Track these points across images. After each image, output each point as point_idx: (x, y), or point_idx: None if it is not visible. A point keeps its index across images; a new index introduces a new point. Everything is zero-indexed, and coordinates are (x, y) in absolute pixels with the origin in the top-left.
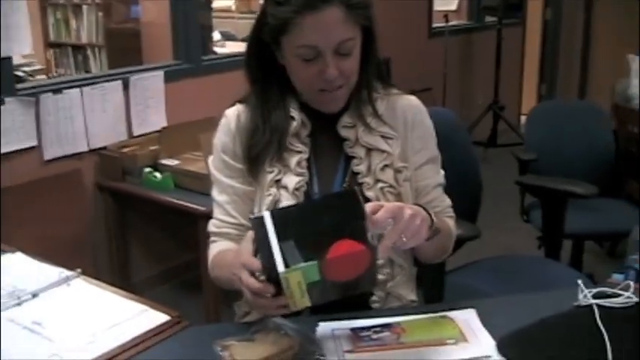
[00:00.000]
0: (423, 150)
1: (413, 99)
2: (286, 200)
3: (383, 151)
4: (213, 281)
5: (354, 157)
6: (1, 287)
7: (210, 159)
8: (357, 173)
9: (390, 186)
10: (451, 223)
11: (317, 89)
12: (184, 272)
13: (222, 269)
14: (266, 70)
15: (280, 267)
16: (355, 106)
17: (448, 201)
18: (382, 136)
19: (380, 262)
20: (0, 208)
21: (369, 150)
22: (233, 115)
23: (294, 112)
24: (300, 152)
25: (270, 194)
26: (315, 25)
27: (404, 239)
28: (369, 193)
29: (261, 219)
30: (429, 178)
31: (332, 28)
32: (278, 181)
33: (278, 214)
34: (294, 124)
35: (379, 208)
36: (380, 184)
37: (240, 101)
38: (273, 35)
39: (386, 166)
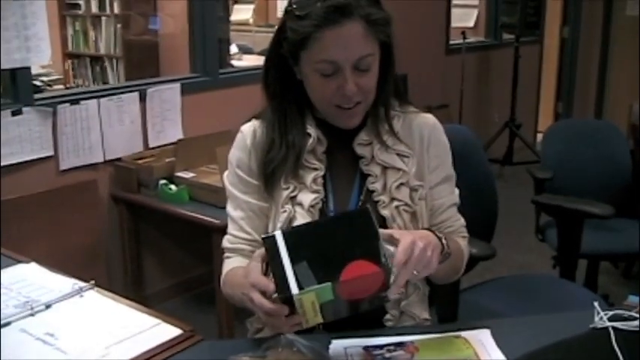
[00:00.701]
0: (438, 169)
1: (429, 117)
2: (301, 217)
3: (399, 170)
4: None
5: (369, 175)
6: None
7: (226, 174)
8: (373, 191)
9: (406, 204)
10: (463, 242)
11: (334, 105)
12: (198, 285)
13: (232, 288)
14: (284, 85)
15: (294, 289)
16: (372, 123)
17: (462, 221)
18: (398, 154)
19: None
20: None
21: (385, 168)
22: (249, 130)
23: (311, 129)
24: (316, 169)
25: (285, 211)
26: (336, 40)
27: (415, 273)
28: (385, 212)
29: (273, 238)
30: (444, 197)
31: (352, 43)
32: (293, 198)
33: (290, 233)
34: (311, 140)
35: (393, 239)
36: (395, 203)
37: (256, 117)
38: (292, 50)
39: (402, 184)
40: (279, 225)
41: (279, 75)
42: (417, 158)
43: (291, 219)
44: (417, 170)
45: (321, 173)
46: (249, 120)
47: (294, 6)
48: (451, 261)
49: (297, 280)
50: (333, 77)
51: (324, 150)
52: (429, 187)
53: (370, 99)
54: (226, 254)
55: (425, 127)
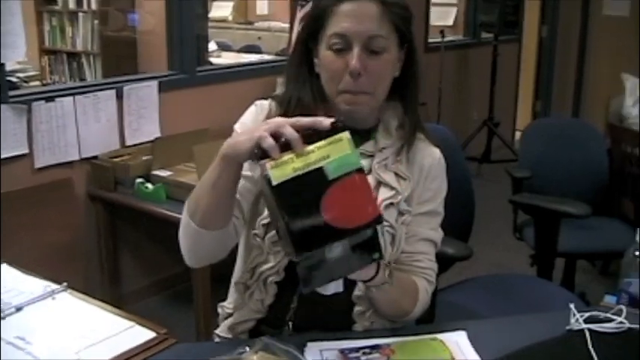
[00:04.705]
0: (427, 202)
1: (436, 151)
2: None
3: (392, 188)
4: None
5: None
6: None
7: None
8: None
9: (390, 226)
10: (423, 285)
11: (341, 89)
12: (175, 284)
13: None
14: (302, 72)
15: None
16: (380, 137)
17: (433, 265)
18: (396, 174)
19: (358, 293)
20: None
21: (380, 183)
22: (265, 106)
23: None
24: None
25: None
26: (349, 13)
27: None
28: None
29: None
30: (421, 227)
31: (365, 19)
32: None
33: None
34: None
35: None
36: None
37: (272, 97)
38: (313, 26)
39: (391, 204)
40: (262, 221)
41: (300, 60)
42: (412, 184)
43: None
44: (408, 196)
45: None
46: (266, 98)
47: None
48: (392, 293)
49: None
50: (344, 54)
51: None
52: (413, 214)
53: (379, 93)
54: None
55: (428, 159)
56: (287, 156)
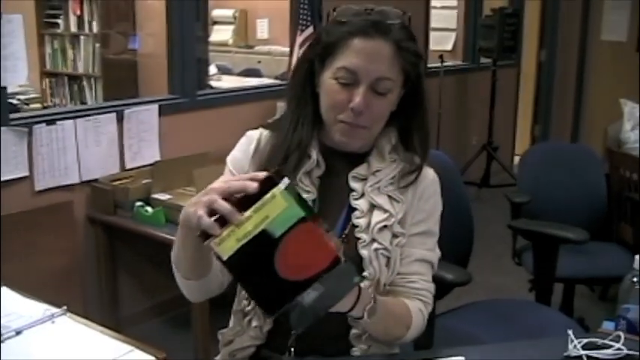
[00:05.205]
0: (421, 222)
1: (430, 172)
2: None
3: (385, 211)
4: (199, 314)
5: (356, 209)
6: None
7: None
8: (357, 226)
9: (385, 249)
10: (416, 307)
11: (340, 119)
12: (174, 307)
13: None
14: (304, 91)
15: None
16: (374, 160)
17: (429, 285)
18: (389, 196)
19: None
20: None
21: (373, 206)
22: (254, 137)
23: (313, 151)
24: (308, 192)
25: None
26: (362, 51)
27: None
28: (363, 251)
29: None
30: (415, 248)
31: (377, 60)
32: None
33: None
34: (310, 162)
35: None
36: (375, 245)
37: (264, 126)
38: (321, 53)
39: (385, 227)
40: None
41: (303, 80)
42: (406, 206)
43: None
44: (402, 217)
45: (312, 197)
46: (256, 128)
47: (337, 12)
48: (382, 320)
49: None
50: (349, 88)
51: (319, 175)
52: (408, 235)
53: (376, 129)
54: None
55: (423, 180)
56: (228, 229)
